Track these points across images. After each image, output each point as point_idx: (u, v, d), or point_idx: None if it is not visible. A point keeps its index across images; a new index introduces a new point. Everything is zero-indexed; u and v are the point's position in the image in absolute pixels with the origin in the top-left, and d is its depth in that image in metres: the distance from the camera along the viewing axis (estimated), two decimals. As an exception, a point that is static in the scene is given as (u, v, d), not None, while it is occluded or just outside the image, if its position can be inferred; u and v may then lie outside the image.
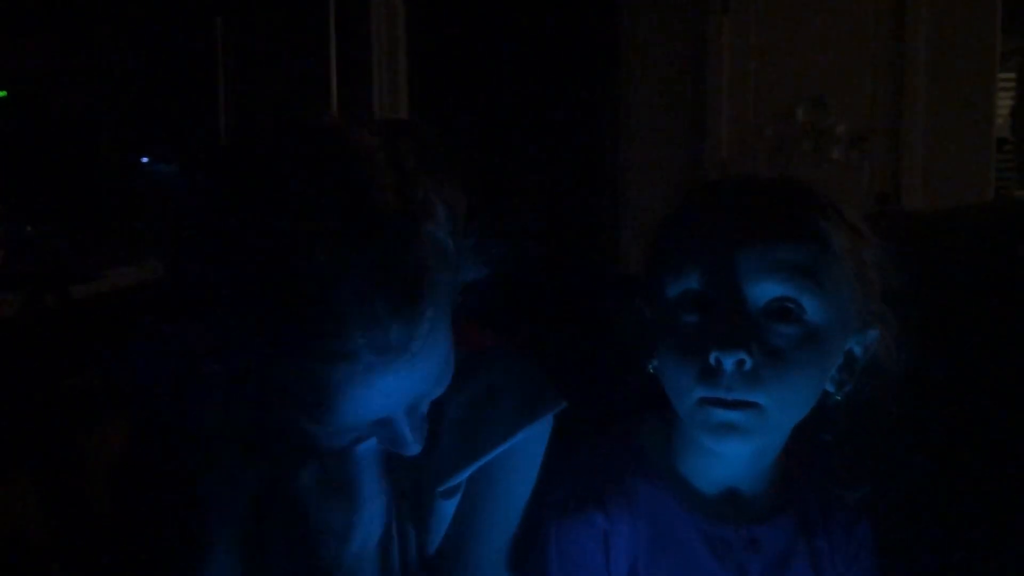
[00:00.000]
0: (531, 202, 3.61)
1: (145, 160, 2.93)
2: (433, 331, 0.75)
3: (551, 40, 3.89)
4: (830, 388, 0.94)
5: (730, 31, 3.75)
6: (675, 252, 0.91)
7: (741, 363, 0.84)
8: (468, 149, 0.93)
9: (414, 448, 0.79)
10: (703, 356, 0.85)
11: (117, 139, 2.95)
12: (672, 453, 0.98)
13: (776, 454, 0.97)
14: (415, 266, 0.73)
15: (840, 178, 3.59)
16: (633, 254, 3.71)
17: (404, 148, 0.77)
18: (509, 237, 0.94)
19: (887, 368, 0.94)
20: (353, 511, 0.88)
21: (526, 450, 0.92)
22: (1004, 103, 3.71)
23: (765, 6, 3.73)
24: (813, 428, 0.95)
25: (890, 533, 1.02)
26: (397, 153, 0.76)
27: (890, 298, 0.94)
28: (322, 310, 0.69)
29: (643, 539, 0.93)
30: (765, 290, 0.86)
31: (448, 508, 0.89)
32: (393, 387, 0.74)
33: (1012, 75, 3.73)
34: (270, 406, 0.80)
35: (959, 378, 1.19)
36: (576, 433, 0.97)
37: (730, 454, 0.92)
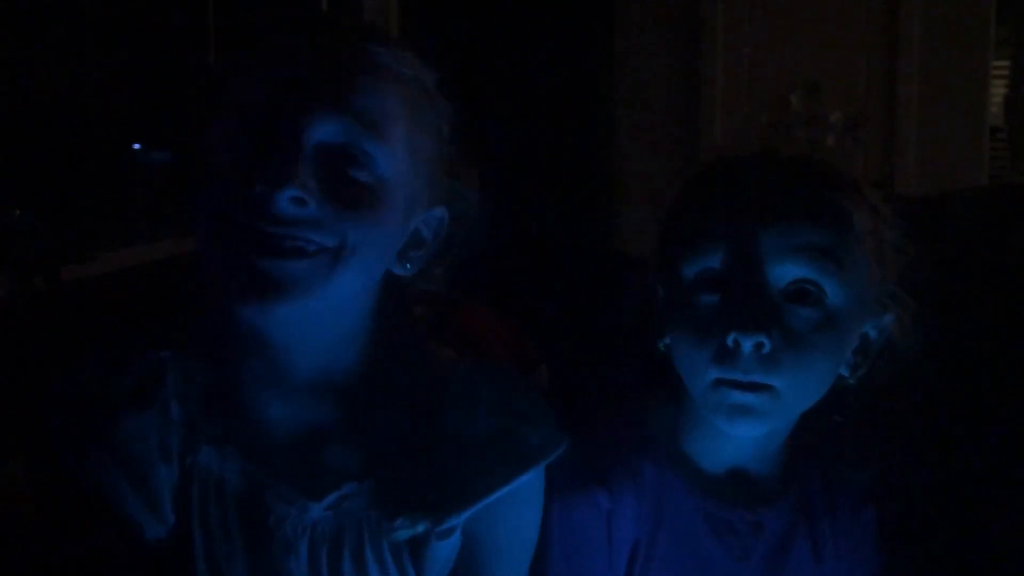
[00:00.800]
0: (527, 186, 3.60)
1: (137, 147, 2.91)
2: (375, 82, 0.79)
3: (545, 25, 3.88)
4: (844, 372, 0.92)
5: (724, 17, 3.75)
6: (693, 230, 0.89)
7: (760, 346, 0.82)
8: (462, 134, 0.93)
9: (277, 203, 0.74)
10: (720, 337, 0.83)
11: (109, 124, 2.93)
12: (679, 434, 0.96)
13: (783, 437, 0.95)
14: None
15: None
16: (626, 236, 3.70)
17: None
18: (504, 216, 0.94)
19: (902, 351, 0.92)
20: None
21: (529, 487, 0.88)
22: (998, 91, 3.71)
23: (760, -8, 3.73)
24: (822, 410, 0.93)
25: (896, 519, 1.01)
26: None
27: (907, 280, 0.92)
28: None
29: (646, 520, 0.92)
30: (786, 272, 0.84)
31: (444, 549, 0.86)
32: (315, 82, 0.77)
33: (1006, 63, 3.73)
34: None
35: (955, 362, 1.19)
36: (582, 412, 0.95)
37: (741, 436, 0.90)
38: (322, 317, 0.81)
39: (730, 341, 0.83)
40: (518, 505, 0.88)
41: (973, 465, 1.12)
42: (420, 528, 0.84)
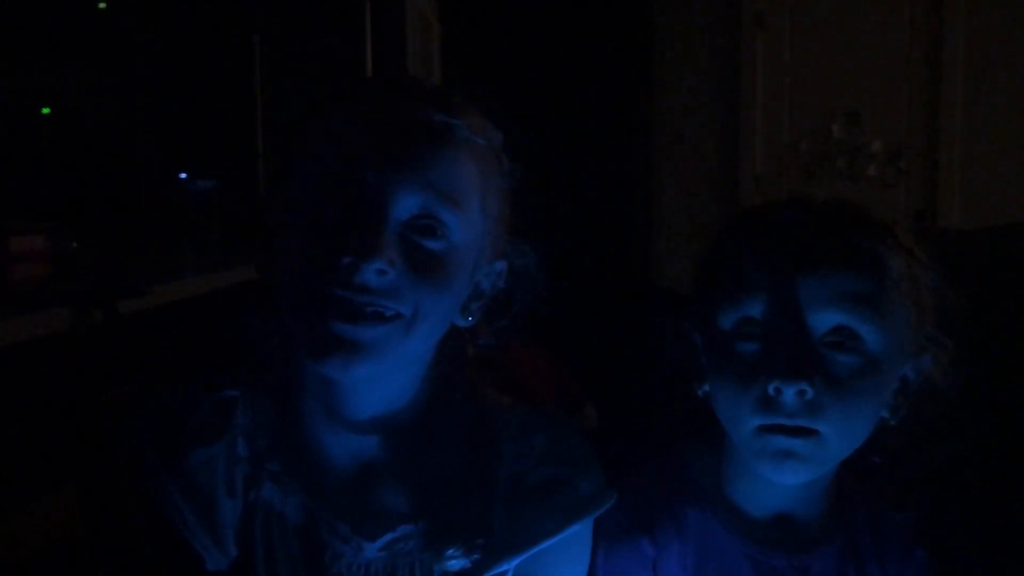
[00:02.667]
0: (565, 217, 3.61)
1: (184, 176, 2.97)
2: (454, 154, 0.83)
3: (586, 57, 3.90)
4: (885, 414, 0.92)
5: (764, 47, 3.75)
6: (730, 280, 0.90)
7: (802, 393, 0.83)
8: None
9: (367, 272, 0.77)
10: (763, 386, 0.84)
11: (156, 155, 2.98)
12: (723, 479, 0.97)
13: (827, 481, 0.95)
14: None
15: (875, 196, 3.57)
16: (667, 268, 3.70)
17: None
18: (543, 245, 0.96)
19: (941, 391, 0.92)
20: None
21: (578, 536, 0.90)
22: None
23: (800, 21, 3.72)
24: (864, 451, 0.94)
25: (948, 561, 1.00)
26: None
27: (944, 320, 0.93)
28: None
29: (692, 567, 0.93)
30: (826, 319, 0.85)
31: None
32: (401, 156, 0.80)
33: (1051, 91, 3.69)
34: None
35: (1003, 397, 1.18)
36: (625, 457, 0.97)
37: (790, 483, 0.90)
38: (390, 369, 0.84)
39: (771, 390, 0.84)
40: (567, 555, 0.90)
41: (1019, 500, 1.11)
42: (469, 570, 0.86)
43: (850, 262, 0.86)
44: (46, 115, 2.81)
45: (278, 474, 0.87)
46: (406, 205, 0.80)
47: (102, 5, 3.00)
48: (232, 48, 3.11)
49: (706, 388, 0.95)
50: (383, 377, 0.85)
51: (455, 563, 0.86)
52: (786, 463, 0.86)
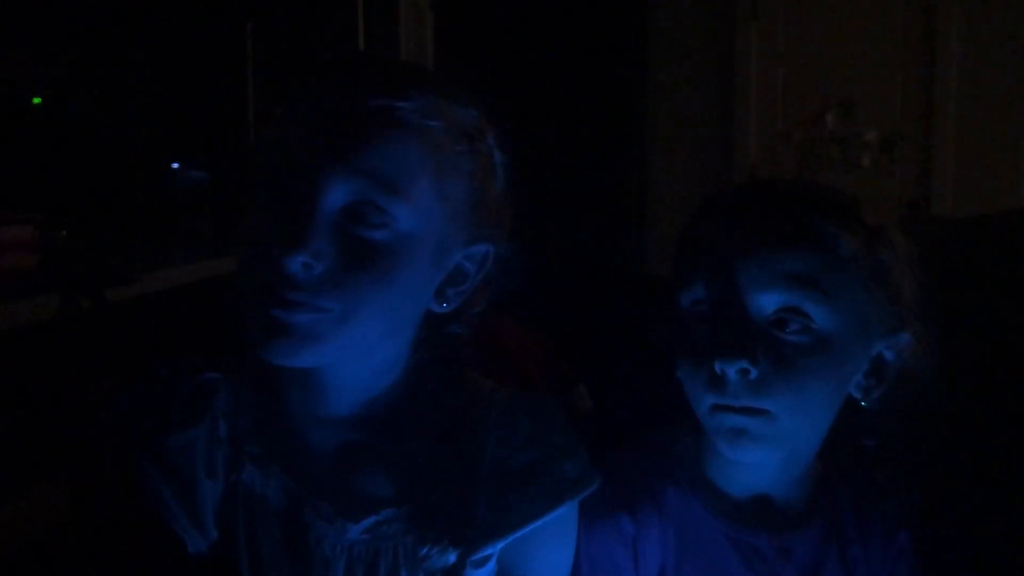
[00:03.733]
0: (559, 206, 3.61)
1: (176, 166, 2.96)
2: (394, 138, 0.80)
3: (580, 48, 3.89)
4: (856, 394, 0.92)
5: (758, 37, 3.75)
6: (685, 263, 0.92)
7: (745, 372, 0.84)
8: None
9: (293, 261, 0.76)
10: (709, 365, 0.85)
11: (148, 144, 2.98)
12: (703, 461, 0.97)
13: (808, 461, 0.96)
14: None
15: (869, 185, 3.57)
16: (660, 255, 3.71)
17: None
18: (535, 237, 0.95)
19: (921, 372, 0.92)
20: None
21: (563, 520, 0.90)
22: (1037, 109, 3.67)
23: (793, 12, 3.72)
24: (852, 434, 0.94)
25: (932, 543, 1.00)
26: None
27: (923, 300, 0.93)
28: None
29: (672, 546, 0.93)
30: (769, 300, 0.85)
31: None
32: (331, 143, 0.78)
33: (1045, 81, 3.70)
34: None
35: (991, 384, 1.19)
36: (608, 440, 0.97)
37: (750, 461, 0.91)
38: (351, 356, 0.83)
39: (718, 368, 0.85)
40: (553, 538, 0.90)
41: (1010, 487, 1.11)
42: (454, 556, 0.86)
43: (791, 242, 0.86)
44: (37, 105, 2.80)
45: (259, 456, 0.87)
46: (338, 194, 0.78)
47: (94, -6, 2.99)
48: (225, 37, 3.10)
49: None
50: (348, 363, 0.84)
51: (437, 554, 0.86)
52: (740, 441, 0.87)
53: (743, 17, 3.75)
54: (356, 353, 0.83)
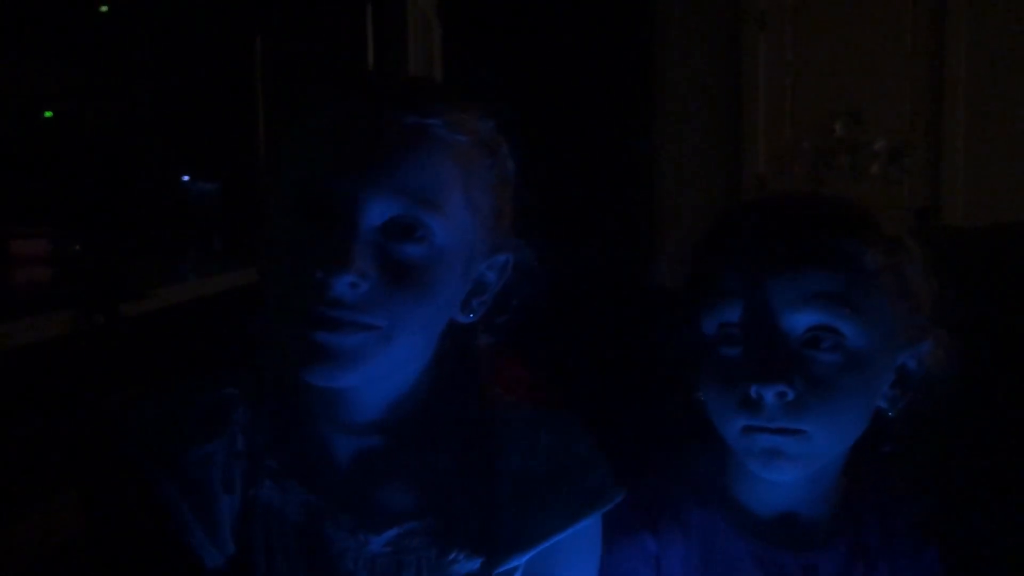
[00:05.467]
0: (566, 218, 3.61)
1: (186, 179, 2.97)
2: (429, 154, 0.81)
3: (587, 58, 3.90)
4: (883, 405, 0.92)
5: (767, 46, 3.74)
6: (708, 286, 0.91)
7: (783, 395, 0.83)
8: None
9: (340, 281, 0.76)
10: (743, 389, 0.85)
11: (159, 158, 2.99)
12: (726, 479, 0.97)
13: (833, 478, 0.95)
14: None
15: (879, 194, 3.56)
16: (670, 269, 3.69)
17: None
18: (545, 247, 0.95)
19: (942, 379, 0.92)
20: None
21: (587, 533, 0.90)
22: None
23: (802, 21, 3.72)
24: (872, 445, 0.94)
25: (960, 559, 0.99)
26: None
27: (939, 308, 0.92)
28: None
29: (696, 564, 0.93)
30: (801, 320, 0.85)
31: None
32: (369, 162, 0.78)
33: (1054, 88, 3.69)
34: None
35: (1012, 392, 1.18)
36: (630, 458, 0.96)
37: (782, 480, 0.90)
38: (381, 373, 0.83)
39: (753, 393, 0.84)
40: (577, 551, 0.90)
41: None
42: (477, 565, 0.85)
43: (819, 261, 0.86)
44: (48, 119, 2.81)
45: (277, 471, 0.87)
46: (378, 211, 0.78)
47: (104, 8, 3.00)
48: (234, 51, 3.11)
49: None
50: (377, 380, 0.84)
51: (461, 567, 0.86)
52: (774, 461, 0.86)
53: (751, 28, 3.74)
54: (389, 367, 0.83)
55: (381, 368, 0.82)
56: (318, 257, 0.76)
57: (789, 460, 0.86)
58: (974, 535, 1.04)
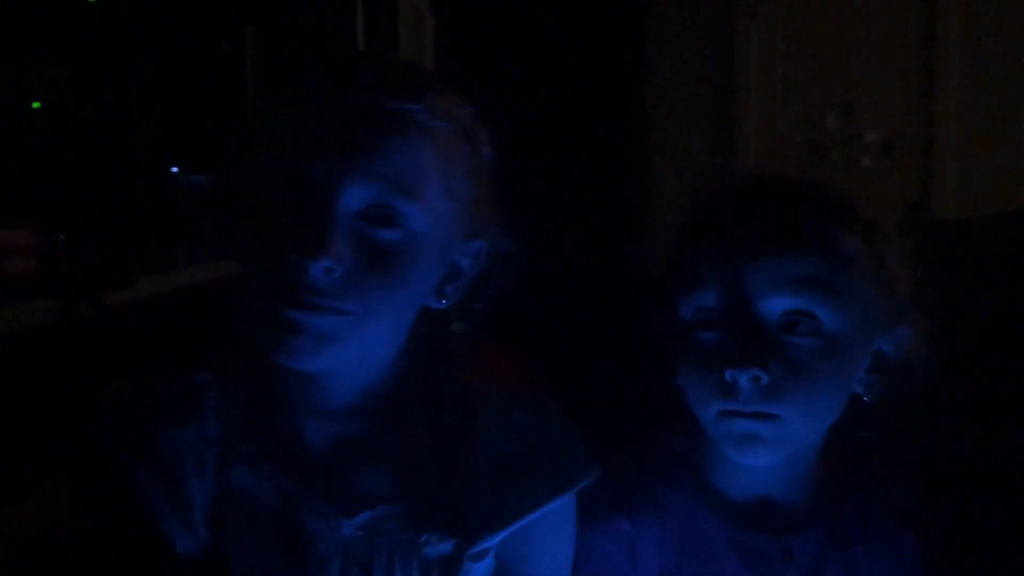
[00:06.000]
0: (559, 211, 3.61)
1: (176, 170, 2.96)
2: (408, 140, 0.80)
3: (579, 50, 3.89)
4: (859, 390, 0.92)
5: (758, 38, 3.74)
6: (685, 271, 0.91)
7: (757, 379, 0.83)
8: (497, 159, 0.94)
9: (317, 268, 0.76)
10: (719, 373, 0.85)
11: (148, 149, 2.98)
12: (704, 463, 0.97)
13: (810, 462, 0.95)
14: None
15: (870, 186, 3.56)
16: (656, 256, 3.69)
17: None
18: (535, 242, 0.95)
19: (919, 365, 0.92)
20: None
21: (561, 513, 0.90)
22: (1038, 110, 3.67)
23: (793, 12, 3.72)
24: (850, 430, 0.94)
25: (938, 543, 1.00)
26: None
27: (918, 293, 0.92)
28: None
29: (672, 547, 0.93)
30: (777, 304, 0.85)
31: (478, 570, 0.88)
32: (347, 146, 0.78)
33: (1046, 81, 3.69)
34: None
35: (994, 383, 1.18)
36: (607, 442, 0.96)
37: (758, 464, 0.90)
38: (353, 356, 0.83)
39: (728, 377, 0.84)
40: (551, 530, 0.90)
41: (1008, 482, 1.11)
42: (450, 546, 0.86)
43: (796, 246, 0.86)
44: (36, 109, 2.80)
45: (250, 455, 0.87)
46: (356, 197, 0.78)
47: (93, -1, 2.99)
48: (224, 41, 3.10)
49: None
50: (349, 362, 0.84)
51: (433, 549, 0.86)
52: (750, 446, 0.86)
53: (743, 19, 3.74)
54: (362, 349, 0.83)
55: (352, 351, 0.81)
56: (295, 241, 0.76)
57: (765, 444, 0.86)
58: (951, 520, 1.04)
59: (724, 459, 0.92)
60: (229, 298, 0.89)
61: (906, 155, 3.59)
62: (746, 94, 3.76)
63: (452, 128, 0.85)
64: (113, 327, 1.70)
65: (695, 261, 0.90)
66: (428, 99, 0.82)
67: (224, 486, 0.86)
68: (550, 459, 0.88)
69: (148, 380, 0.91)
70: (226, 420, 0.88)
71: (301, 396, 0.87)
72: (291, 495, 0.86)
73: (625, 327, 1.03)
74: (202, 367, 0.90)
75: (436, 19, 3.79)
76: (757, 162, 3.75)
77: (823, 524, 0.96)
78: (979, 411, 1.14)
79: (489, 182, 0.90)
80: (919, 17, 3.57)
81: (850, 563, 0.96)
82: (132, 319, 1.79)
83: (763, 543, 0.93)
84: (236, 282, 0.86)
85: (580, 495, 0.90)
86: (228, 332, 0.90)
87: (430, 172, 0.82)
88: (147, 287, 1.86)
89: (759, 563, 0.93)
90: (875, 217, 0.91)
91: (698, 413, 0.90)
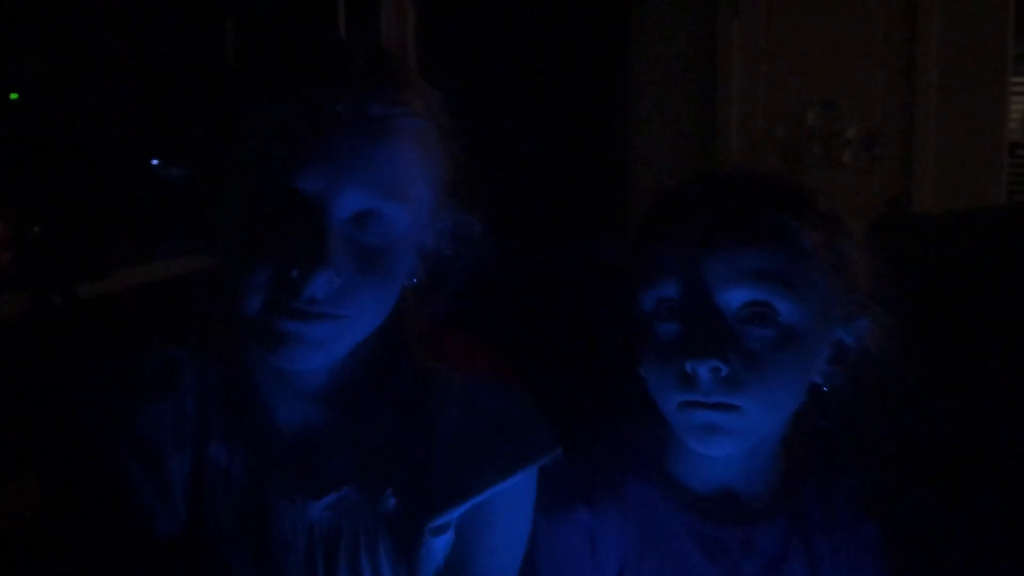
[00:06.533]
0: (539, 203, 3.60)
1: (155, 162, 2.94)
2: (395, 145, 0.79)
3: (561, 44, 3.89)
4: (818, 380, 0.93)
5: (740, 34, 3.75)
6: (647, 263, 0.91)
7: (717, 370, 0.84)
8: (477, 152, 0.94)
9: (319, 277, 0.75)
10: (679, 364, 0.86)
11: (128, 141, 2.96)
12: (666, 454, 0.98)
13: (771, 453, 0.96)
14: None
15: (850, 182, 3.58)
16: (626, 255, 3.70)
17: None
18: (512, 237, 0.95)
19: (878, 355, 0.93)
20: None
21: (521, 489, 0.91)
22: (1016, 107, 3.70)
23: (775, 9, 3.73)
24: (811, 420, 0.94)
25: (900, 534, 1.00)
26: None
27: (878, 284, 0.93)
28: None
29: (633, 538, 0.93)
30: (736, 297, 0.86)
31: (438, 545, 0.89)
32: (337, 155, 0.77)
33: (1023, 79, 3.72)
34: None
35: (967, 378, 1.19)
36: (571, 434, 0.97)
37: (719, 455, 0.91)
38: (344, 351, 0.85)
39: (688, 368, 0.85)
40: (510, 506, 0.91)
41: (977, 476, 1.11)
42: (410, 521, 0.87)
43: (755, 238, 0.87)
44: (14, 100, 2.77)
45: (225, 432, 0.88)
46: (346, 205, 0.77)
47: (73, -10, 2.96)
48: (204, 33, 3.08)
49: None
50: (328, 355, 0.84)
51: (393, 525, 0.87)
52: (711, 436, 0.87)
53: (725, 15, 3.75)
54: (351, 346, 0.84)
55: (346, 349, 0.83)
56: (292, 254, 0.76)
57: (726, 435, 0.87)
58: (913, 510, 1.05)
59: (686, 450, 0.93)
60: (204, 288, 0.89)
61: (886, 151, 3.61)
62: (728, 90, 3.77)
63: (431, 125, 0.85)
64: (85, 319, 1.70)
65: (656, 253, 0.91)
66: (409, 101, 0.82)
67: (201, 462, 0.87)
68: (510, 436, 0.89)
69: (124, 356, 0.91)
70: (204, 397, 0.88)
71: (275, 379, 0.88)
72: (261, 475, 0.87)
73: (592, 319, 1.04)
74: (181, 344, 0.90)
75: (418, 12, 3.78)
76: (738, 158, 3.75)
77: (785, 514, 0.97)
78: (948, 403, 1.15)
79: (457, 168, 0.90)
80: (900, 15, 3.59)
81: (812, 553, 0.96)
82: (106, 311, 1.78)
83: (724, 533, 0.94)
84: (211, 273, 0.86)
85: (541, 485, 0.92)
86: (205, 311, 0.90)
87: (414, 172, 0.82)
88: (121, 280, 1.85)
89: (720, 553, 0.93)
90: (833, 210, 0.92)
91: (660, 404, 0.91)
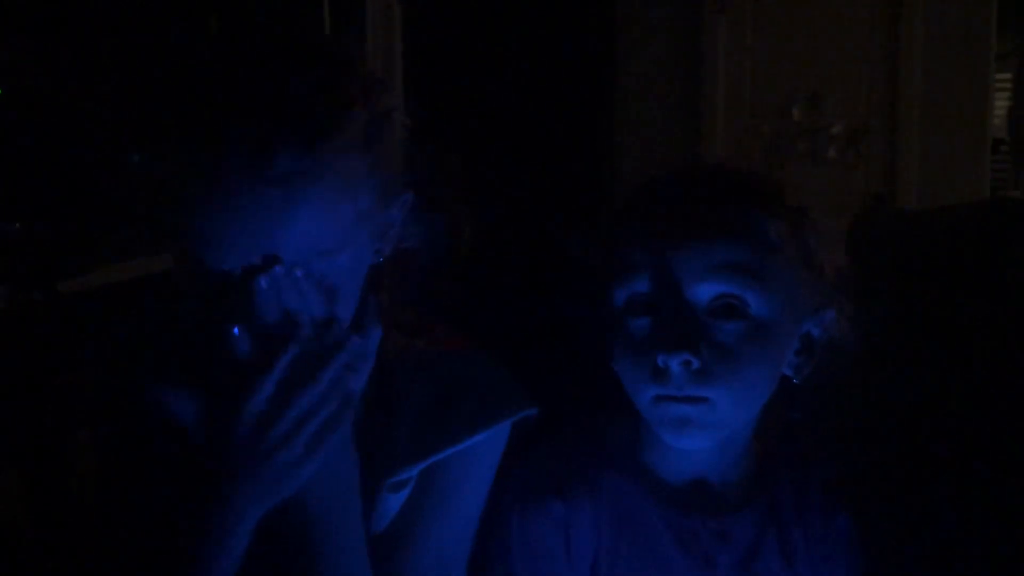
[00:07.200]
0: (525, 200, 3.60)
1: (136, 158, 2.93)
2: (322, 180, 0.79)
3: (547, 41, 3.89)
4: (788, 372, 0.94)
5: (726, 30, 3.75)
6: (617, 259, 0.92)
7: (688, 363, 0.85)
8: (463, 150, 0.95)
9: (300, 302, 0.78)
10: (652, 358, 0.87)
11: (107, 137, 2.94)
12: (639, 446, 0.98)
13: (744, 444, 0.97)
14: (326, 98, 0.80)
15: (836, 177, 3.59)
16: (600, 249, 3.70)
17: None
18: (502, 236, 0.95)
19: (845, 347, 0.94)
20: None
21: (483, 455, 0.93)
22: (1001, 104, 3.70)
23: (761, 5, 3.73)
24: (783, 412, 0.96)
25: (873, 526, 1.01)
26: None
27: (844, 277, 0.95)
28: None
29: (607, 529, 0.94)
30: (706, 290, 0.87)
31: (394, 503, 0.90)
32: (272, 221, 0.78)
33: (1008, 75, 3.72)
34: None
35: (950, 375, 1.19)
36: (545, 426, 0.98)
37: (692, 448, 0.92)
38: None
39: (660, 362, 0.86)
40: (472, 464, 0.93)
41: (938, 463, 1.12)
42: (370, 479, 0.87)
43: (722, 232, 0.88)
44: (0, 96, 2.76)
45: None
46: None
47: (56, -13, 2.95)
48: (188, 30, 3.07)
49: None
50: None
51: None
52: (684, 429, 0.88)
53: (711, 10, 3.75)
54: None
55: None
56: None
57: (699, 428, 0.88)
58: (886, 502, 1.06)
59: (659, 442, 0.93)
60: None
61: (871, 147, 3.62)
62: (714, 86, 3.77)
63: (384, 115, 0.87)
64: (65, 315, 1.69)
65: (627, 247, 0.92)
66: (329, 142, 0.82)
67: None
68: (476, 396, 0.92)
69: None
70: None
71: None
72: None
73: (566, 313, 1.04)
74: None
75: (404, 9, 3.77)
76: (726, 156, 3.76)
77: (759, 505, 0.97)
78: (926, 396, 1.15)
79: (410, 143, 0.91)
80: (885, 12, 3.60)
81: (786, 544, 0.97)
82: (87, 307, 1.77)
83: (699, 524, 0.95)
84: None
85: (516, 477, 0.93)
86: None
87: (360, 170, 0.84)
88: (101, 276, 1.85)
89: (694, 544, 0.94)
90: (800, 203, 0.94)
91: (634, 399, 0.92)
